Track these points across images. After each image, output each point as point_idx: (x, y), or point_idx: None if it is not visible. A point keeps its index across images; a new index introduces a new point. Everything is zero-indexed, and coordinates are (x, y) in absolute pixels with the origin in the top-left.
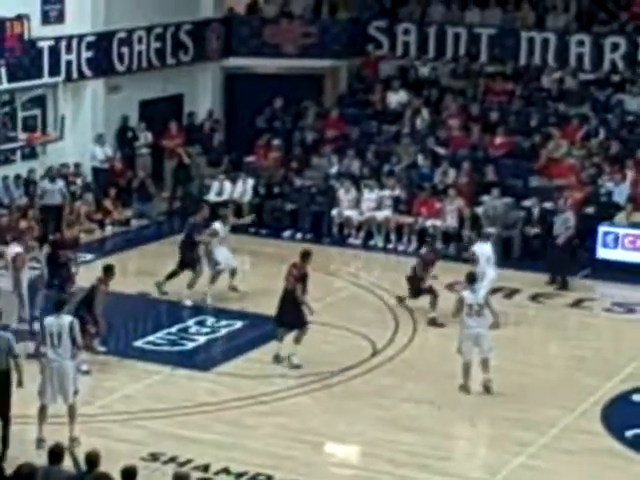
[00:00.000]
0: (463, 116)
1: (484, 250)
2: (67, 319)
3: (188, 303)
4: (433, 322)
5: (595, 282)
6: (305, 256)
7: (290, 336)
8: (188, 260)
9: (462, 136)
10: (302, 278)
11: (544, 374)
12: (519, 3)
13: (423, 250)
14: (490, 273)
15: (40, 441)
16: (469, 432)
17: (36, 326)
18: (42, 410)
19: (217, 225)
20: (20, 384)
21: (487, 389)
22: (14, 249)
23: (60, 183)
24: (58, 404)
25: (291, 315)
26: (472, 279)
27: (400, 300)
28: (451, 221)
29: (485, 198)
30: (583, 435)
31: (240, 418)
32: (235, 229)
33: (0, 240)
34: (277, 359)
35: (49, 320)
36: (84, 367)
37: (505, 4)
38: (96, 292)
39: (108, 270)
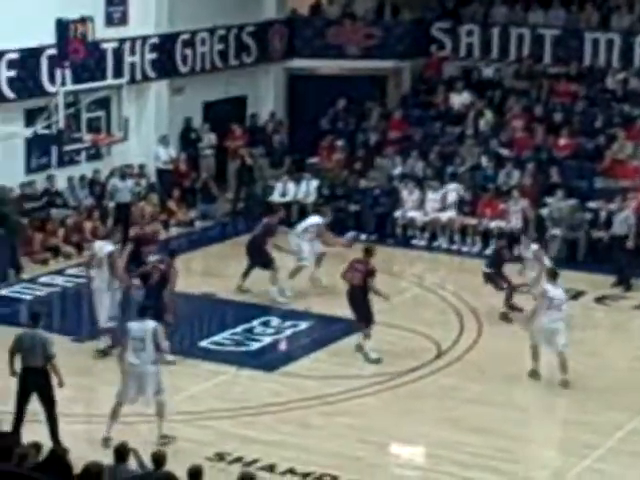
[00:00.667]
0: (527, 117)
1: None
2: (151, 324)
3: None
4: (505, 317)
5: None
6: (368, 252)
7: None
8: (260, 260)
9: (526, 137)
10: (371, 273)
11: (610, 376)
12: (583, 3)
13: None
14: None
15: (107, 440)
16: (535, 434)
17: (109, 323)
18: (116, 409)
19: (317, 218)
20: (61, 385)
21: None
22: (107, 247)
23: (130, 182)
24: (138, 405)
25: (360, 311)
26: (554, 274)
27: (505, 316)
28: (515, 222)
29: (550, 200)
30: None
31: (305, 418)
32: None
33: (67, 240)
34: (359, 349)
35: (133, 325)
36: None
37: (569, 4)
38: (169, 276)
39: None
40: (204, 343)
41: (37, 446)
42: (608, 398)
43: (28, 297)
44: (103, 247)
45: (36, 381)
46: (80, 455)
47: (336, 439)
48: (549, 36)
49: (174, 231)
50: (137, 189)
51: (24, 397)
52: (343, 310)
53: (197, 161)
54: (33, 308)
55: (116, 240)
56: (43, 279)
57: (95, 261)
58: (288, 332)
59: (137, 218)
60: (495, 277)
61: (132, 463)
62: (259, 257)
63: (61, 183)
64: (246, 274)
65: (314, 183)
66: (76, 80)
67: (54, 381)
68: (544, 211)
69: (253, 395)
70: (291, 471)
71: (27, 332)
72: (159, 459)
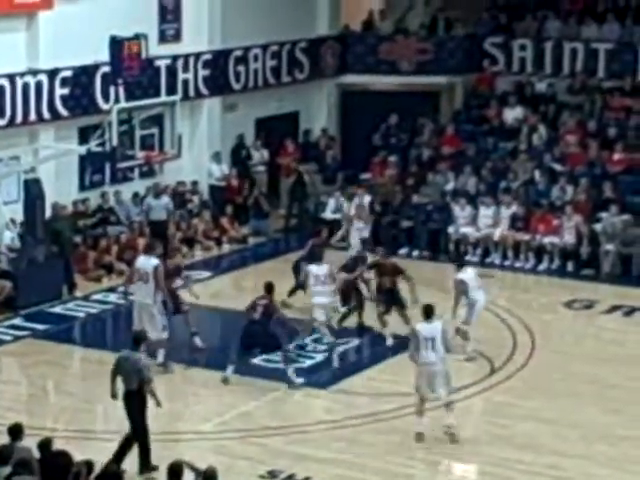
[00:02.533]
0: (580, 132)
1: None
2: (439, 325)
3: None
4: None
5: None
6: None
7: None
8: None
9: (579, 152)
10: (271, 309)
11: None
12: (637, 17)
13: None
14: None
15: (419, 435)
16: (587, 451)
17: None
18: (420, 405)
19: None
20: (159, 404)
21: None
22: (152, 261)
23: (165, 199)
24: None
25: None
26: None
27: None
28: (569, 238)
29: (603, 215)
30: None
31: (357, 436)
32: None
33: (119, 257)
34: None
35: (422, 326)
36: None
37: (623, 18)
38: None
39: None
40: (256, 360)
41: (89, 464)
42: None
43: (81, 314)
44: (148, 261)
45: (127, 404)
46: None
47: (388, 456)
48: (603, 50)
49: (226, 248)
50: (189, 206)
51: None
52: (396, 327)
53: (249, 177)
54: (135, 331)
55: (158, 253)
56: (96, 296)
57: (140, 275)
58: (340, 349)
59: (172, 245)
60: None
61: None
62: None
63: (114, 200)
64: (292, 292)
65: (367, 198)
66: (129, 97)
67: (150, 403)
68: (598, 226)
69: (305, 412)
70: None
71: (126, 355)
72: (211, 476)
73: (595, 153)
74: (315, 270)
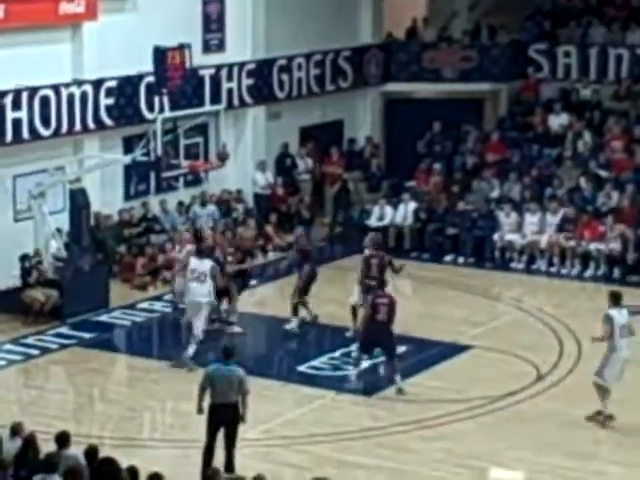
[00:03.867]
0: (626, 138)
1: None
2: (625, 312)
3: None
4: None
5: None
6: None
7: None
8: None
9: (625, 159)
10: None
11: None
12: None
13: None
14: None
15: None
16: (635, 458)
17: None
18: (605, 393)
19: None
20: (243, 419)
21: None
22: (208, 262)
23: (211, 208)
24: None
25: None
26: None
27: None
28: (614, 244)
29: None
30: None
31: (404, 443)
32: (398, 254)
33: (168, 267)
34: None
35: (614, 312)
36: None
37: None
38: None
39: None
40: (302, 368)
41: (133, 470)
42: None
43: (127, 323)
44: (204, 262)
45: (229, 416)
46: None
47: (435, 463)
48: None
49: (271, 256)
50: (234, 215)
51: (215, 432)
52: (441, 334)
53: (294, 186)
54: (226, 343)
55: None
56: (142, 305)
57: (196, 275)
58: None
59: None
60: None
61: None
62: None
63: (160, 209)
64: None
65: (412, 205)
66: (174, 107)
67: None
68: None
69: (351, 419)
70: None
71: (220, 368)
72: None
73: None
74: None
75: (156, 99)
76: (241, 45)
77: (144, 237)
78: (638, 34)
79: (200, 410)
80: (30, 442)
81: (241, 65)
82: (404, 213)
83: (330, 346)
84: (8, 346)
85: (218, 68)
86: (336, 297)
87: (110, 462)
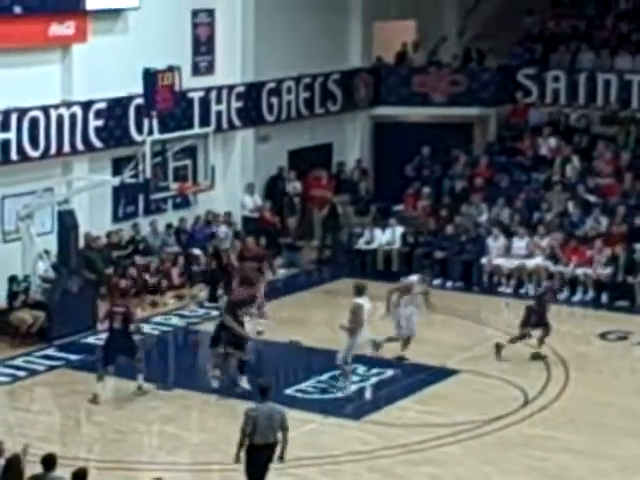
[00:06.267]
0: (614, 163)
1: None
2: None
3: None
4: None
5: None
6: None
7: None
8: None
9: (614, 184)
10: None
11: None
12: None
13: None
14: None
15: None
16: None
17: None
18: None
19: (414, 278)
20: (282, 459)
21: None
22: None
23: (223, 229)
24: None
25: None
26: None
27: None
28: (602, 270)
29: (638, 246)
30: None
31: (391, 467)
32: (386, 277)
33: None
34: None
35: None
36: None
37: None
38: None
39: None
40: (290, 391)
41: None
42: None
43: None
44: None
45: (268, 456)
46: None
47: None
48: (637, 81)
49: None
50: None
51: (262, 476)
52: (429, 358)
53: (282, 209)
54: (260, 382)
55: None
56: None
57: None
58: (374, 380)
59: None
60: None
61: None
62: None
63: (147, 231)
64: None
65: (399, 230)
66: (163, 129)
67: None
68: (637, 256)
69: (339, 443)
70: None
71: (261, 408)
72: None
73: (629, 184)
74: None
75: (145, 121)
76: (231, 68)
77: (131, 259)
78: (627, 60)
79: (239, 459)
80: (12, 463)
81: (230, 88)
82: (392, 237)
83: (318, 369)
84: None
85: (207, 91)
86: (324, 321)
87: None
